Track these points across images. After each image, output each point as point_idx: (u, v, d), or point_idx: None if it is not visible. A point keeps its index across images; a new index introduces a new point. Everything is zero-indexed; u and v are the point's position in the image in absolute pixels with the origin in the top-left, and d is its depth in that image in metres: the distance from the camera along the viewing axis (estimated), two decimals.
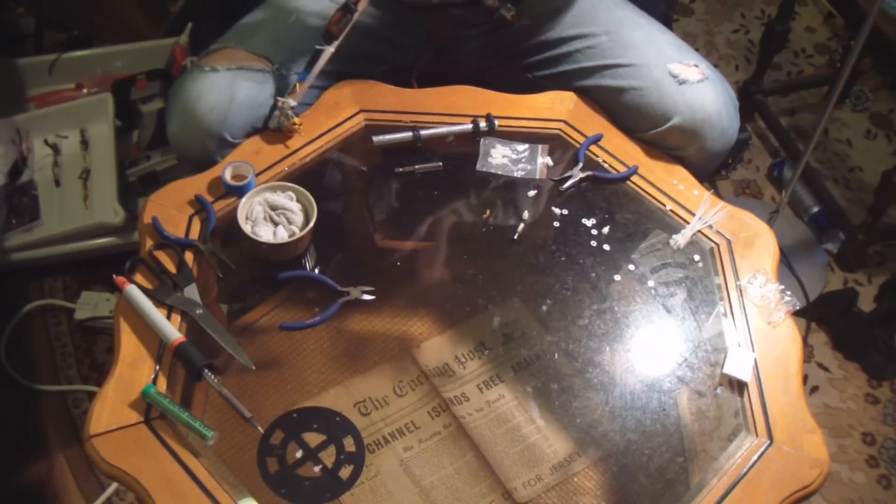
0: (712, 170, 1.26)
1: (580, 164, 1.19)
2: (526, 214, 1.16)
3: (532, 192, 1.18)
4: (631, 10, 1.29)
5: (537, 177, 1.19)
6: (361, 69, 1.28)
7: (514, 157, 1.21)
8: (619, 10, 1.28)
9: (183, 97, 1.16)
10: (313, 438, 0.94)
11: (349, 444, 0.94)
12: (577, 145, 1.23)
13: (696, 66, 1.19)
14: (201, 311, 1.00)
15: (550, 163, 1.21)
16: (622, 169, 1.20)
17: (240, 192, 1.10)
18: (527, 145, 1.22)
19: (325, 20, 1.16)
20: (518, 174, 1.19)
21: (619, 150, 1.22)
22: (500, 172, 1.19)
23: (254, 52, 1.20)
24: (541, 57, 1.29)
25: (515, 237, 1.14)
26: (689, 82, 1.17)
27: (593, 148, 1.23)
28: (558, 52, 1.27)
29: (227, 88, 1.15)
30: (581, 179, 1.18)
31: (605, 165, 1.21)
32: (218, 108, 1.14)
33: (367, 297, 1.05)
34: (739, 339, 1.04)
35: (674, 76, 1.18)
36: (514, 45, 1.30)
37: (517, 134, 1.24)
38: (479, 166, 1.20)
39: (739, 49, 2.32)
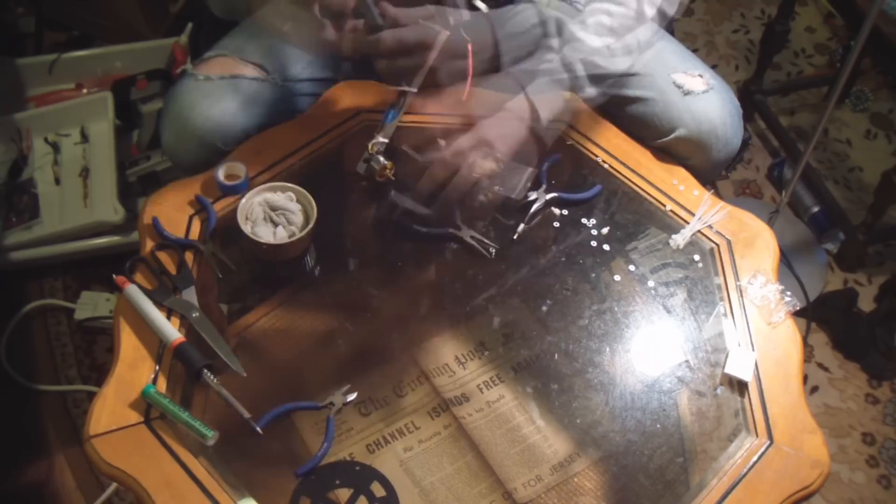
0: (715, 177, 1.26)
1: (543, 187, 1.17)
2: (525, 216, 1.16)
3: (532, 195, 1.18)
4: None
5: (514, 196, 1.17)
6: (355, 76, 1.28)
7: (500, 171, 1.19)
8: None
9: (177, 107, 1.15)
10: (342, 495, 0.91)
11: (378, 489, 0.92)
12: (578, 146, 1.23)
13: (701, 76, 1.19)
14: (197, 314, 1.00)
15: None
16: (623, 169, 1.20)
17: (233, 191, 1.11)
18: (517, 165, 1.19)
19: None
20: (496, 188, 1.18)
21: (619, 151, 1.22)
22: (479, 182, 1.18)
23: (248, 60, 1.19)
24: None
25: (515, 237, 1.14)
26: (694, 93, 1.17)
27: (593, 148, 1.23)
28: None
29: (222, 98, 1.15)
30: (546, 202, 1.17)
31: (594, 152, 1.21)
32: (212, 118, 1.14)
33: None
34: (739, 340, 1.04)
35: (678, 86, 1.18)
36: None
37: None
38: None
39: (739, 49, 2.32)
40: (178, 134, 1.16)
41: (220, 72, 1.17)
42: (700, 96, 1.17)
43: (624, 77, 1.21)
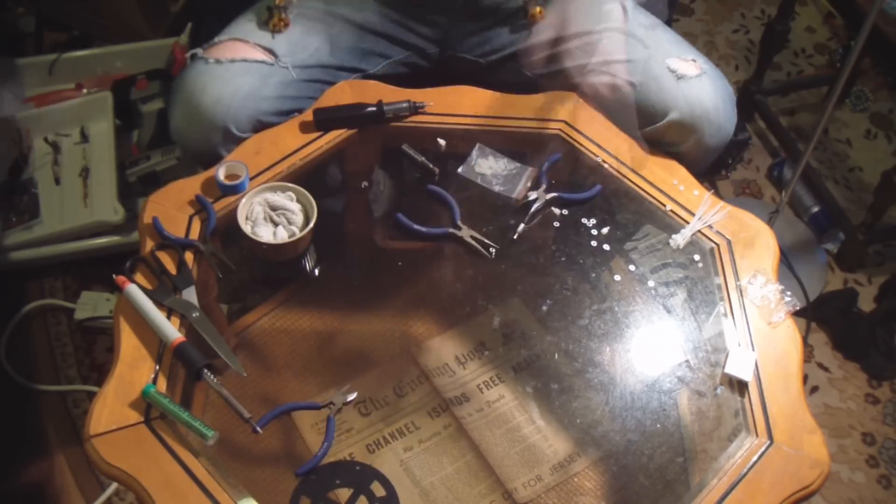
0: (708, 166, 1.26)
1: (543, 186, 1.17)
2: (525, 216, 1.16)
3: (532, 195, 1.18)
4: (629, 6, 1.28)
5: (513, 196, 1.17)
6: (362, 65, 1.28)
7: (500, 171, 1.20)
8: (617, 6, 1.27)
9: (186, 89, 1.16)
10: (342, 495, 0.91)
11: (378, 489, 0.92)
12: (578, 146, 1.23)
13: (694, 60, 1.19)
14: (197, 314, 1.00)
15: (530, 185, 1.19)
16: (623, 169, 1.20)
17: (233, 191, 1.11)
18: (517, 165, 1.21)
19: (326, 13, 1.15)
20: (496, 189, 1.18)
21: (618, 151, 1.22)
22: (478, 182, 1.19)
23: (257, 44, 1.20)
24: (540, 55, 1.29)
25: (515, 237, 1.14)
26: (687, 77, 1.17)
27: (593, 148, 1.23)
28: (557, 50, 1.27)
29: (231, 81, 1.15)
30: (547, 202, 1.17)
31: (595, 152, 1.21)
32: (222, 101, 1.14)
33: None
34: (739, 340, 1.04)
35: (672, 71, 1.18)
36: (513, 43, 1.30)
37: (517, 134, 1.24)
38: (461, 170, 1.20)
39: (739, 49, 2.32)
40: (187, 117, 1.16)
41: (229, 55, 1.17)
42: (693, 81, 1.17)
43: (617, 64, 1.21)
